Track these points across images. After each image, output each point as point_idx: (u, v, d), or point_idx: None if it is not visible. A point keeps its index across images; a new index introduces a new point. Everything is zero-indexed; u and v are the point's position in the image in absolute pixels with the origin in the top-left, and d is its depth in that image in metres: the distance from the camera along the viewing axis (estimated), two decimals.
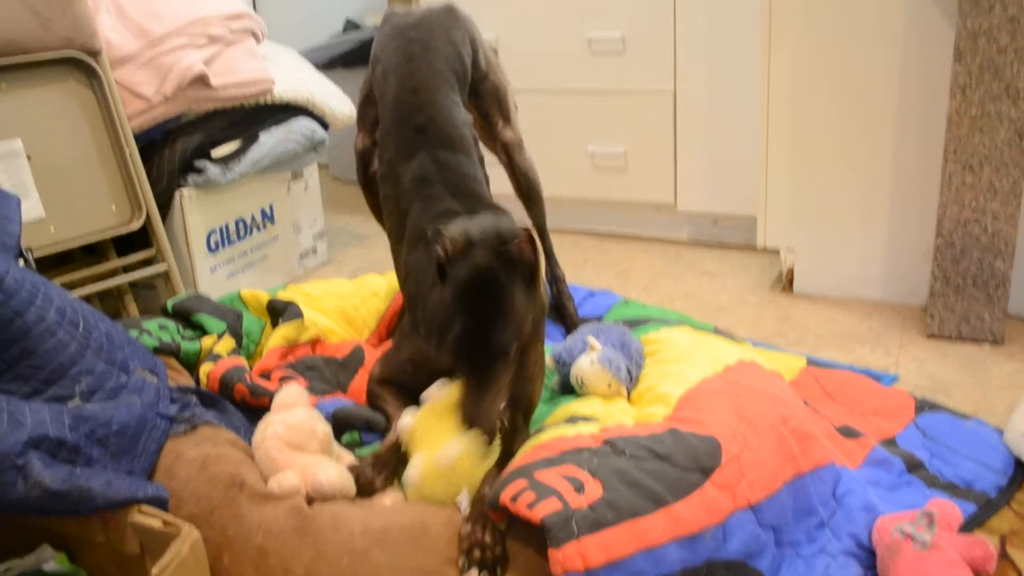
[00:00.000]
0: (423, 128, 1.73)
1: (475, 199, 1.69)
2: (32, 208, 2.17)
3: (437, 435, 1.45)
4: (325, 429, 1.55)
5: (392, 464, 1.50)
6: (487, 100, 1.99)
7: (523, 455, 1.38)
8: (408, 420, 1.51)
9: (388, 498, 1.45)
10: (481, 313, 1.33)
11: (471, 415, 1.31)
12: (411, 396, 1.59)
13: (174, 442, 1.52)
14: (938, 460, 1.62)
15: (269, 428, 1.53)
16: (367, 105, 1.94)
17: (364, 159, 1.96)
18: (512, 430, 1.53)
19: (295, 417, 1.54)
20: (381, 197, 1.83)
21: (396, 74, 1.80)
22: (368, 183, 1.99)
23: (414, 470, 1.45)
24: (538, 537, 1.21)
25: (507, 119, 2.04)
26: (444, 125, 1.75)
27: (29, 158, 2.18)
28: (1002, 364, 2.08)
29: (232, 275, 2.69)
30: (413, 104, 1.76)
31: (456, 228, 1.41)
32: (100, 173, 2.32)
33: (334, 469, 1.45)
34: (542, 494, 1.23)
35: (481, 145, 1.89)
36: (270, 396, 1.66)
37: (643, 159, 3.01)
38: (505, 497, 1.25)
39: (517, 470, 1.31)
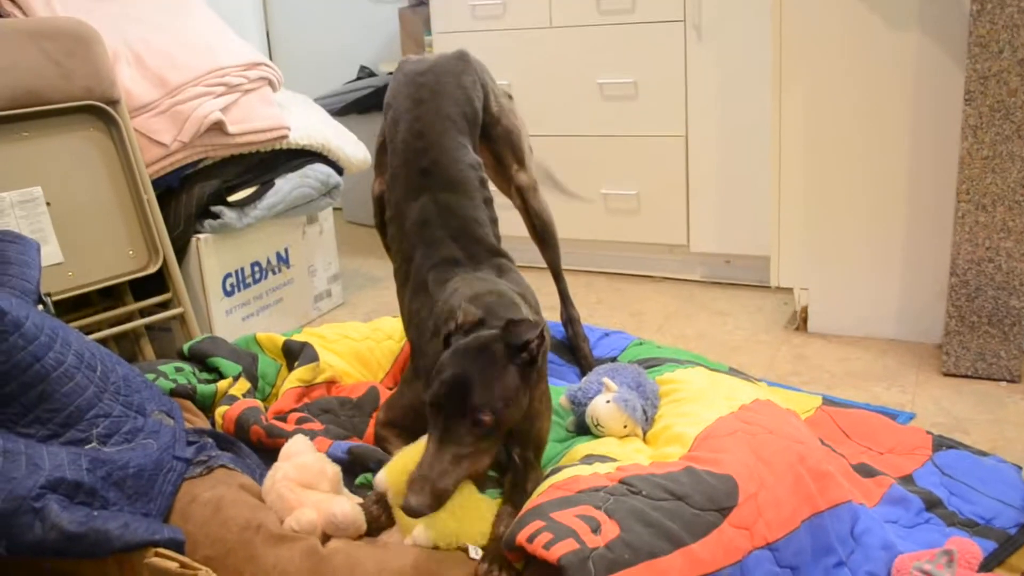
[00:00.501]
0: (427, 170, 1.76)
1: (476, 243, 1.72)
2: (51, 253, 2.20)
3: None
4: (335, 469, 1.56)
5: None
6: (500, 144, 2.01)
7: (539, 495, 1.37)
8: (382, 475, 1.49)
9: (393, 535, 1.45)
10: (468, 369, 1.34)
11: (421, 472, 1.30)
12: (415, 439, 1.59)
13: (189, 484, 1.52)
14: (957, 498, 1.61)
15: (279, 472, 1.53)
16: (382, 152, 1.97)
17: (380, 204, 1.99)
18: (524, 467, 1.52)
19: (304, 459, 1.55)
20: (389, 238, 1.86)
21: (404, 119, 1.83)
22: (384, 227, 2.01)
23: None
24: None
25: (521, 162, 2.05)
26: (448, 167, 1.77)
27: (48, 204, 2.21)
28: (1019, 401, 2.06)
29: (247, 318, 2.70)
30: (418, 147, 1.78)
31: (473, 307, 1.45)
32: (118, 218, 2.35)
33: (347, 503, 1.45)
34: (559, 534, 1.22)
35: (493, 187, 1.91)
36: (286, 437, 1.66)
37: (656, 201, 3.03)
38: (522, 538, 1.25)
39: (533, 510, 1.30)
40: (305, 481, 1.50)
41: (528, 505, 1.36)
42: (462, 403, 1.32)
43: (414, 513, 1.29)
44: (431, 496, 1.29)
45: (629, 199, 3.05)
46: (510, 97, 2.10)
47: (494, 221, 1.82)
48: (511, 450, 1.57)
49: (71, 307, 2.32)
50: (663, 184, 2.99)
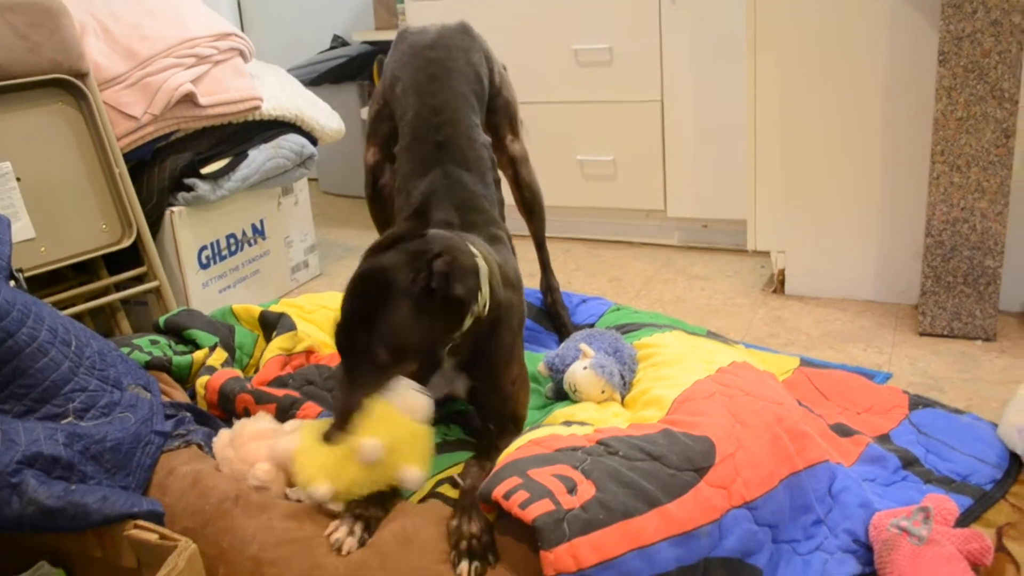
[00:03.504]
0: (442, 145, 1.76)
1: (476, 213, 1.72)
2: (22, 229, 2.18)
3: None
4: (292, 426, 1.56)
5: None
6: (499, 115, 2.01)
7: (517, 448, 1.39)
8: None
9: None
10: (358, 304, 1.35)
11: (336, 405, 1.34)
12: None
13: (168, 457, 1.53)
14: (933, 455, 1.63)
15: (224, 437, 1.56)
16: (380, 121, 1.96)
17: (374, 173, 1.98)
18: (499, 432, 1.56)
19: (255, 423, 1.58)
20: (396, 210, 1.85)
21: (417, 93, 1.82)
22: (376, 197, 2.01)
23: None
24: (530, 534, 1.22)
25: (515, 133, 2.06)
26: (463, 145, 1.77)
27: (19, 180, 2.19)
28: (994, 359, 2.08)
29: (224, 290, 2.69)
30: (433, 123, 1.78)
31: (404, 229, 1.44)
32: (90, 193, 2.33)
33: (287, 437, 1.46)
34: (535, 494, 1.23)
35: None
36: (277, 402, 1.67)
37: (632, 166, 3.02)
38: (498, 493, 1.26)
39: (510, 465, 1.31)
40: (257, 434, 1.53)
41: (505, 458, 1.37)
42: (358, 342, 1.34)
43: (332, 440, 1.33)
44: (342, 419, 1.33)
45: (606, 165, 3.05)
46: (505, 68, 2.10)
47: (501, 203, 1.83)
48: (486, 423, 1.59)
49: (45, 283, 2.31)
50: (639, 150, 2.99)
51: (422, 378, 1.56)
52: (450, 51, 1.88)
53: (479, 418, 1.65)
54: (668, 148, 2.95)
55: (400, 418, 1.37)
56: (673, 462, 1.33)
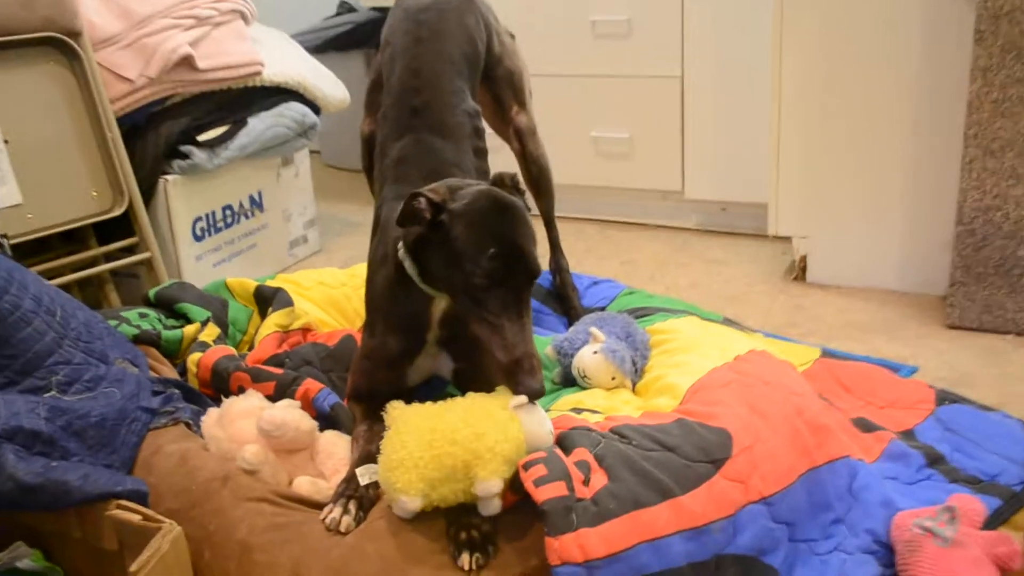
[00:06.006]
0: (417, 110, 1.73)
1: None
2: (8, 194, 2.16)
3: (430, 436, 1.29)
4: (311, 424, 1.52)
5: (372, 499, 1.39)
6: (500, 85, 1.99)
7: None
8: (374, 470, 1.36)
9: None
10: (516, 232, 1.35)
11: (528, 349, 1.31)
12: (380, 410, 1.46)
13: (154, 435, 1.51)
14: (960, 453, 1.60)
15: (212, 415, 1.54)
16: (375, 90, 1.94)
17: (369, 144, 1.96)
18: None
19: (244, 400, 1.56)
20: (374, 176, 1.84)
21: (402, 57, 1.80)
22: (373, 168, 1.98)
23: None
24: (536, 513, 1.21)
25: (521, 104, 2.04)
26: (440, 110, 1.74)
27: (6, 142, 2.17)
28: None
29: (218, 264, 2.67)
30: (413, 86, 1.75)
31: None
32: (80, 158, 2.31)
33: (281, 408, 1.45)
34: (553, 472, 1.22)
35: (490, 137, 1.88)
36: (276, 380, 1.65)
37: (649, 145, 2.99)
38: (520, 462, 1.25)
39: None
40: (245, 412, 1.51)
41: None
42: (524, 268, 1.34)
43: (538, 394, 1.31)
44: (541, 373, 1.32)
45: (621, 143, 3.02)
46: (512, 36, 2.08)
47: (483, 173, 1.78)
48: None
49: (30, 251, 2.29)
50: (657, 127, 2.95)
51: (408, 357, 1.56)
52: (442, 14, 1.85)
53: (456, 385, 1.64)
54: (687, 126, 2.91)
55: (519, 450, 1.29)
56: (688, 453, 1.31)
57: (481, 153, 1.81)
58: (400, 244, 1.48)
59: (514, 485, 1.27)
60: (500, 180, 1.45)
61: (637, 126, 2.99)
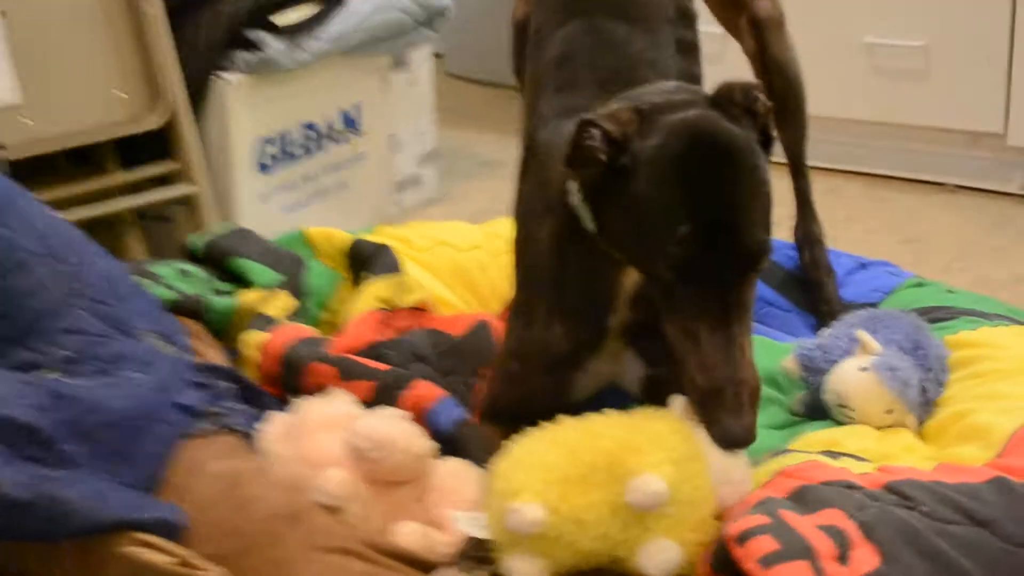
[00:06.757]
0: None
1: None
2: (3, 90, 2.23)
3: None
4: (422, 444, 1.54)
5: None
6: None
7: (760, 486, 1.37)
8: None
9: None
10: (730, 196, 1.32)
11: (715, 371, 1.30)
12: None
13: (192, 446, 1.53)
14: None
15: (279, 424, 1.58)
16: None
17: (522, 33, 1.97)
18: None
19: (327, 405, 1.59)
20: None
21: None
22: (523, 70, 1.99)
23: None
24: None
25: None
26: None
27: (3, 14, 2.23)
28: None
29: (292, 208, 2.74)
30: None
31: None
32: (103, 43, 2.38)
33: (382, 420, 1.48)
34: (789, 548, 1.20)
35: (709, 27, 1.87)
36: (378, 378, 1.68)
37: (954, 61, 2.97)
38: (731, 532, 1.24)
39: (757, 503, 1.30)
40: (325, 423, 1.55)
41: (746, 499, 1.34)
42: (737, 252, 1.31)
43: (741, 443, 1.30)
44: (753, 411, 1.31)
45: (911, 54, 3.02)
46: None
47: (691, 78, 1.78)
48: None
49: (28, 173, 2.36)
50: (968, 33, 2.94)
51: (579, 356, 1.56)
52: None
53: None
54: (1018, 37, 2.86)
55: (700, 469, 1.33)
56: (1009, 532, 1.27)
57: (689, 49, 1.81)
58: (572, 186, 1.47)
59: (716, 559, 1.26)
60: (728, 94, 1.39)
61: (937, 30, 2.97)
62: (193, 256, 2.06)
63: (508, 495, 1.28)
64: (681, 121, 1.34)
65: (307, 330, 1.85)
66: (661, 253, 1.29)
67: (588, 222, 1.46)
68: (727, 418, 1.28)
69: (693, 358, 1.31)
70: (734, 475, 1.34)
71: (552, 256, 1.56)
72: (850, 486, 1.34)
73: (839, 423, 1.69)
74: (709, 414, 1.30)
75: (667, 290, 1.33)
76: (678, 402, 1.37)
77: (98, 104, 2.38)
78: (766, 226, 1.33)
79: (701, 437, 1.32)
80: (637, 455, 1.26)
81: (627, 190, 1.34)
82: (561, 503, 1.27)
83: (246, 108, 2.60)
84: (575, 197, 1.47)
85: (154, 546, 1.32)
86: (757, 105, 1.39)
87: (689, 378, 1.32)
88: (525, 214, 1.67)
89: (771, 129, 1.41)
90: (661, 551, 1.28)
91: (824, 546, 1.22)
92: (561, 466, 1.27)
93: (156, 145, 2.48)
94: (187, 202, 2.51)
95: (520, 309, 1.65)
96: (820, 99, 2.99)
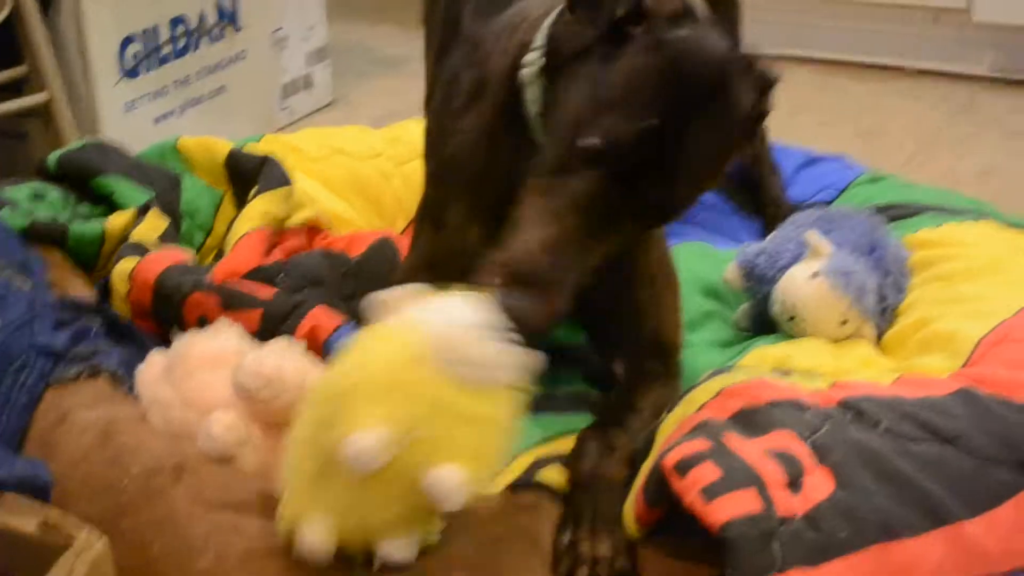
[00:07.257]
0: None
1: None
2: None
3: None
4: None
5: None
6: None
7: (700, 409, 1.39)
8: None
9: None
10: (703, 138, 1.32)
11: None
12: None
13: (58, 394, 1.54)
14: None
15: (156, 364, 1.58)
16: None
17: None
18: (637, 379, 1.55)
19: (211, 339, 1.58)
20: None
21: None
22: None
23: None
24: (705, 547, 1.22)
25: None
26: None
27: None
28: None
29: (164, 118, 2.74)
30: None
31: None
32: None
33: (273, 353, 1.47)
34: (733, 477, 1.22)
35: None
36: (263, 307, 1.69)
37: None
38: (667, 461, 1.25)
39: (696, 426, 1.32)
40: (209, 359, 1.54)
41: (685, 422, 1.36)
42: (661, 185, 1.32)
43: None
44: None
45: None
46: None
47: None
48: (610, 359, 1.60)
49: None
50: None
51: None
52: None
53: (596, 351, 1.66)
54: None
55: (439, 382, 1.25)
56: (979, 447, 1.30)
57: None
58: (530, 58, 1.47)
59: (651, 492, 1.28)
60: None
61: None
62: (47, 174, 2.04)
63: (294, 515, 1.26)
64: (713, 39, 1.35)
65: (183, 254, 1.85)
66: (601, 137, 1.29)
67: (533, 102, 1.46)
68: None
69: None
70: (472, 354, 1.28)
71: (476, 148, 1.56)
72: (800, 405, 1.36)
73: (789, 337, 1.71)
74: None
75: (553, 173, 1.34)
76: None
77: None
78: (701, 190, 1.36)
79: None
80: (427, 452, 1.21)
81: (613, 61, 1.34)
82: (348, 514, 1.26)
83: (106, 2, 2.57)
84: (530, 70, 1.47)
85: (17, 510, 1.31)
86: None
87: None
88: (443, 104, 1.67)
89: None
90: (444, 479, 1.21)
91: (773, 473, 1.24)
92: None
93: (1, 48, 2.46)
94: (41, 114, 2.49)
95: (430, 211, 1.67)
96: None
